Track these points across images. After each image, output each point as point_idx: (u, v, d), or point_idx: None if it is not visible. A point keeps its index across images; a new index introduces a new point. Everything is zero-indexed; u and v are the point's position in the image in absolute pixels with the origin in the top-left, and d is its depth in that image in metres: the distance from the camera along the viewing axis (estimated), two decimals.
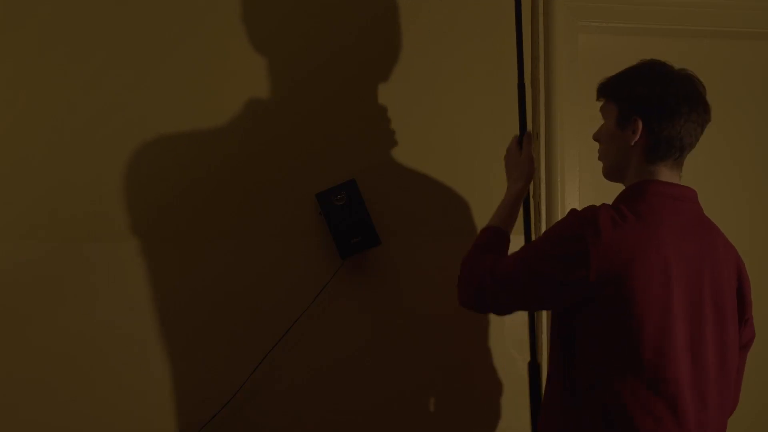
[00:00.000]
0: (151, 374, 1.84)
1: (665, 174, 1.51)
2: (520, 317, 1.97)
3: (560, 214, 1.95)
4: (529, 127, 2.01)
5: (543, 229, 1.98)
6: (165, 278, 1.85)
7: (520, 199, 1.74)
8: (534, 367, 1.80)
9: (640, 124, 1.49)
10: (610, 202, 1.51)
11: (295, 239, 1.91)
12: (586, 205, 1.50)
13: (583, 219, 1.44)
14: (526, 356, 1.97)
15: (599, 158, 1.61)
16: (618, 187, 1.58)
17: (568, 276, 1.41)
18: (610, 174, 1.58)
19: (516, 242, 1.70)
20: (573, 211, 1.49)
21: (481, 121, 1.98)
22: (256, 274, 1.89)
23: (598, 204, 1.48)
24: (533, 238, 1.88)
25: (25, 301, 1.79)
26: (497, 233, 1.68)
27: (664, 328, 1.40)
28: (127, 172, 1.85)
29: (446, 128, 1.98)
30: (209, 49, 1.89)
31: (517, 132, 1.82)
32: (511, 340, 1.98)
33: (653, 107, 1.48)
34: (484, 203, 1.94)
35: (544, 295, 1.48)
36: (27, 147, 1.81)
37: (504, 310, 1.57)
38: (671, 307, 1.40)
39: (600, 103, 1.60)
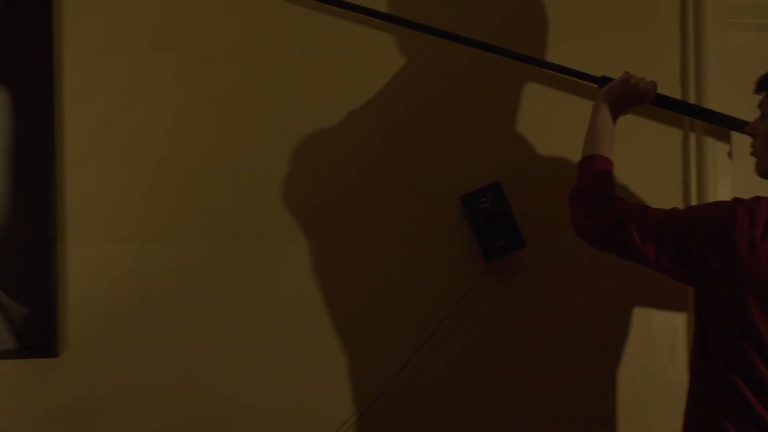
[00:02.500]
0: (301, 372, 1.89)
1: None
2: (670, 322, 1.92)
3: None
4: (679, 126, 1.97)
5: None
6: (312, 278, 1.90)
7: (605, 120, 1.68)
8: None
9: None
10: None
11: (439, 241, 1.93)
12: None
13: (745, 203, 1.42)
14: (677, 362, 1.92)
15: (753, 153, 1.56)
16: None
17: (717, 237, 1.39)
18: None
19: None
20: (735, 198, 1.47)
21: (631, 119, 1.94)
22: (400, 276, 1.92)
23: None
24: None
25: (183, 299, 1.87)
26: (609, 171, 1.65)
27: None
28: (275, 172, 1.90)
29: None
30: (359, 48, 1.93)
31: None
32: (661, 344, 1.93)
33: None
34: None
35: (682, 248, 1.45)
36: (183, 148, 1.88)
37: (627, 253, 1.56)
38: None
39: (758, 96, 1.54)
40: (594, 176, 1.63)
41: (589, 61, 1.95)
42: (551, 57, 1.95)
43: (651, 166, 1.96)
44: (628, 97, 1.70)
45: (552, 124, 1.96)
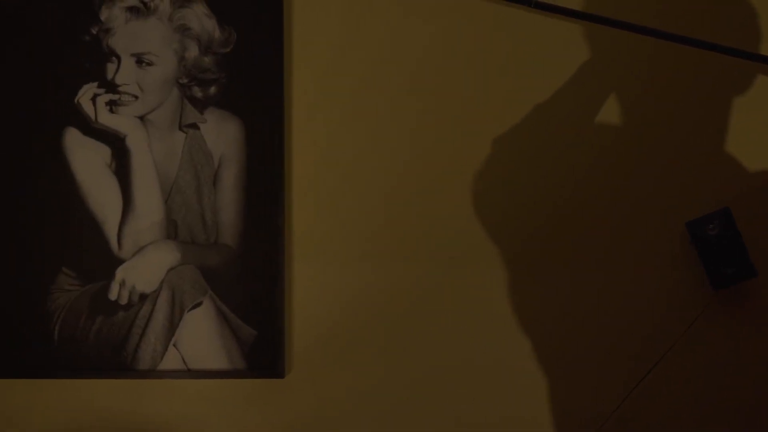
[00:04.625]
0: (511, 403, 1.87)
1: None
2: None
3: None
4: None
5: None
6: (525, 304, 1.88)
7: None
8: None
9: None
10: None
11: (663, 269, 1.87)
12: None
13: None
14: None
15: None
16: None
17: None
18: None
19: None
20: None
21: None
22: (620, 305, 1.87)
23: None
24: None
25: (407, 322, 1.89)
26: None
27: None
28: (495, 195, 1.90)
29: None
30: (573, 62, 1.91)
31: None
32: None
33: None
34: None
35: None
36: (407, 171, 1.90)
37: None
38: None
39: None
40: None
41: None
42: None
43: None
44: None
45: None
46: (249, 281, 1.86)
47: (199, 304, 1.86)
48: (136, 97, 1.86)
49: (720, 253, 1.81)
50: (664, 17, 1.87)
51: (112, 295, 1.86)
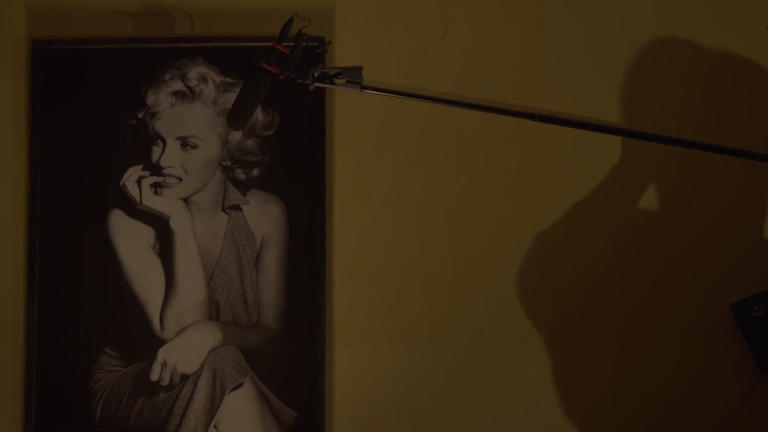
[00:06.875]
0: None
1: None
2: None
3: None
4: None
5: None
6: (573, 384, 1.87)
7: None
8: None
9: None
10: None
11: (708, 351, 1.85)
12: None
13: None
14: None
15: None
16: None
17: None
18: None
19: None
20: None
21: None
22: (663, 389, 1.86)
23: None
24: None
25: (447, 402, 1.88)
26: None
27: None
28: (533, 275, 1.90)
29: None
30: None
31: None
32: None
33: None
34: None
35: None
36: (445, 255, 1.91)
37: None
38: None
39: None
40: None
41: None
42: None
43: None
44: None
45: None
46: (290, 362, 1.87)
47: (240, 386, 1.86)
48: (181, 180, 1.89)
49: (765, 335, 1.79)
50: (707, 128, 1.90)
51: (154, 376, 1.86)
